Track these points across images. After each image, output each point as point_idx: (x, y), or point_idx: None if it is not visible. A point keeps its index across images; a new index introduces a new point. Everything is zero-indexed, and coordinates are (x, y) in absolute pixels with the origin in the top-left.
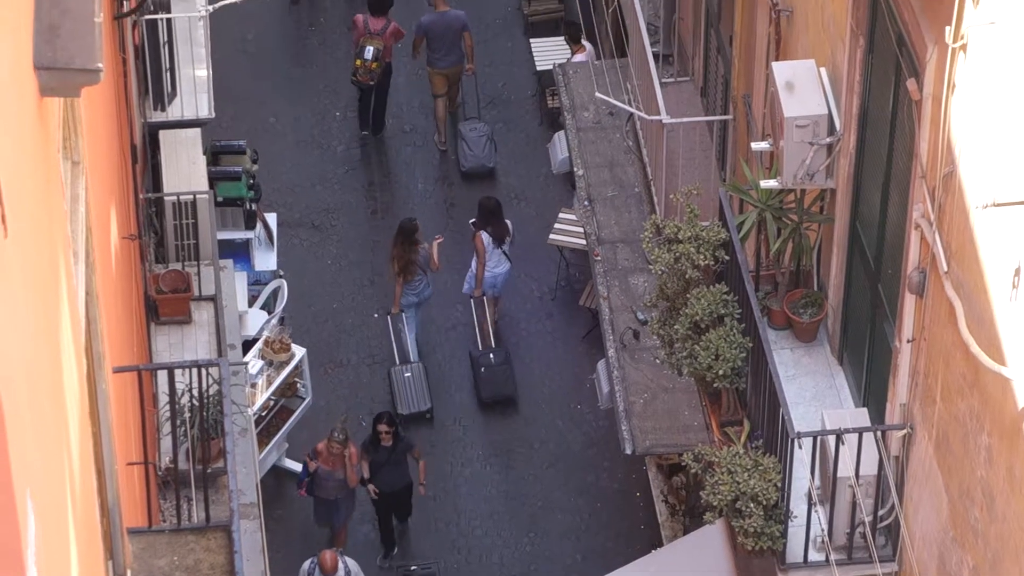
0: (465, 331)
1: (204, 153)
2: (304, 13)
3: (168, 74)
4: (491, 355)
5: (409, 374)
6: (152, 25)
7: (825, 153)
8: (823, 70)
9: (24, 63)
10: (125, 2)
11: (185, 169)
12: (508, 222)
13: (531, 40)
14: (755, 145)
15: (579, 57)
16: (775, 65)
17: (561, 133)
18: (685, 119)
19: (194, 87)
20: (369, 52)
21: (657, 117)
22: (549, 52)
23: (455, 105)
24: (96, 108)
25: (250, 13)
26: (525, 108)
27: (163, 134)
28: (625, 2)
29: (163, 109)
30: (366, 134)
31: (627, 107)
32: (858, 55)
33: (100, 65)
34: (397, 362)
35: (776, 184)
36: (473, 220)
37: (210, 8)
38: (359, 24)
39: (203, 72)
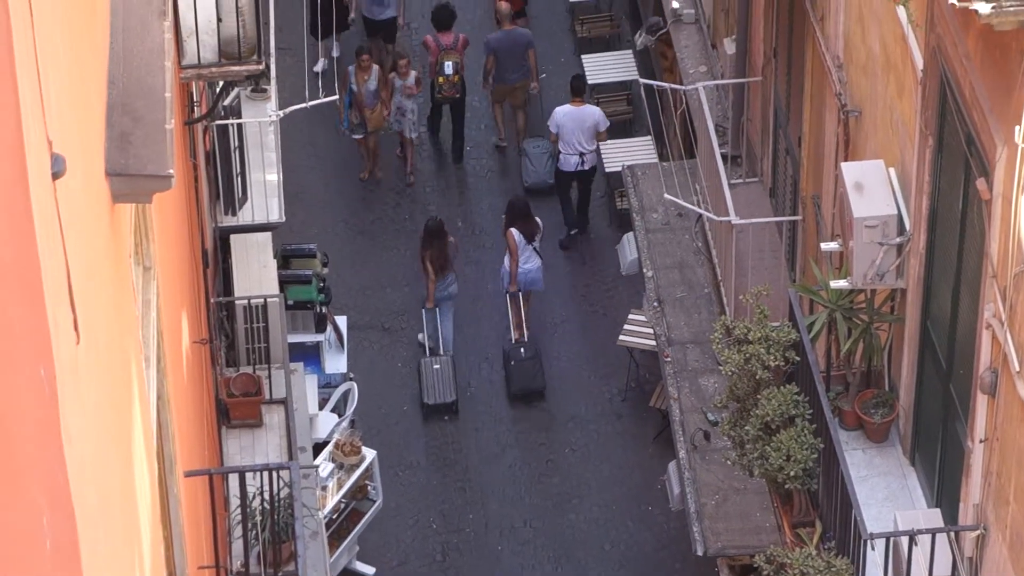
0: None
1: (275, 257)
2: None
3: (239, 179)
4: (522, 349)
5: (438, 366)
6: (223, 130)
7: (895, 253)
8: (892, 170)
9: (96, 170)
10: (196, 108)
11: (256, 273)
12: (538, 219)
13: (599, 142)
14: (825, 245)
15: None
16: (844, 166)
17: (630, 234)
18: (754, 220)
19: (264, 191)
20: (449, 67)
21: (726, 218)
22: (618, 153)
23: (523, 132)
24: (167, 213)
25: (320, 118)
26: (594, 209)
27: (234, 238)
28: (693, 103)
29: (234, 213)
30: (455, 162)
31: (696, 208)
32: (927, 155)
33: (171, 171)
34: (427, 354)
35: (846, 284)
36: (504, 215)
37: (280, 113)
38: (430, 44)
39: (273, 176)
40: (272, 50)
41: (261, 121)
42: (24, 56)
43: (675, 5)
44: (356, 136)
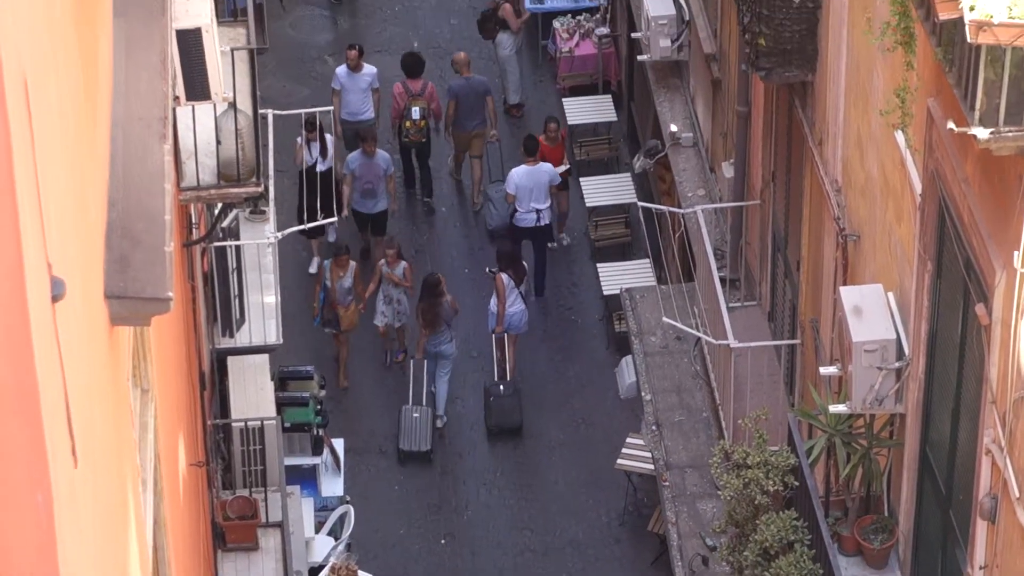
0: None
1: (272, 379)
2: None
3: (237, 300)
4: (501, 387)
5: (417, 415)
6: (221, 252)
7: (894, 378)
8: (891, 295)
9: (95, 293)
10: (194, 229)
11: (253, 395)
12: (524, 264)
13: (598, 265)
14: (823, 370)
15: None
16: (843, 290)
17: (628, 358)
18: (753, 343)
19: (262, 313)
20: (416, 112)
21: (725, 341)
22: (616, 277)
23: (479, 184)
24: (165, 335)
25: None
26: (592, 332)
27: (231, 360)
28: (692, 227)
29: (231, 335)
30: (427, 200)
31: (694, 331)
32: (926, 280)
33: (170, 294)
34: (410, 403)
35: (845, 409)
36: (491, 269)
37: (279, 235)
38: (399, 90)
39: (271, 298)
40: (271, 172)
41: (260, 243)
42: (24, 179)
43: (673, 128)
44: (329, 331)
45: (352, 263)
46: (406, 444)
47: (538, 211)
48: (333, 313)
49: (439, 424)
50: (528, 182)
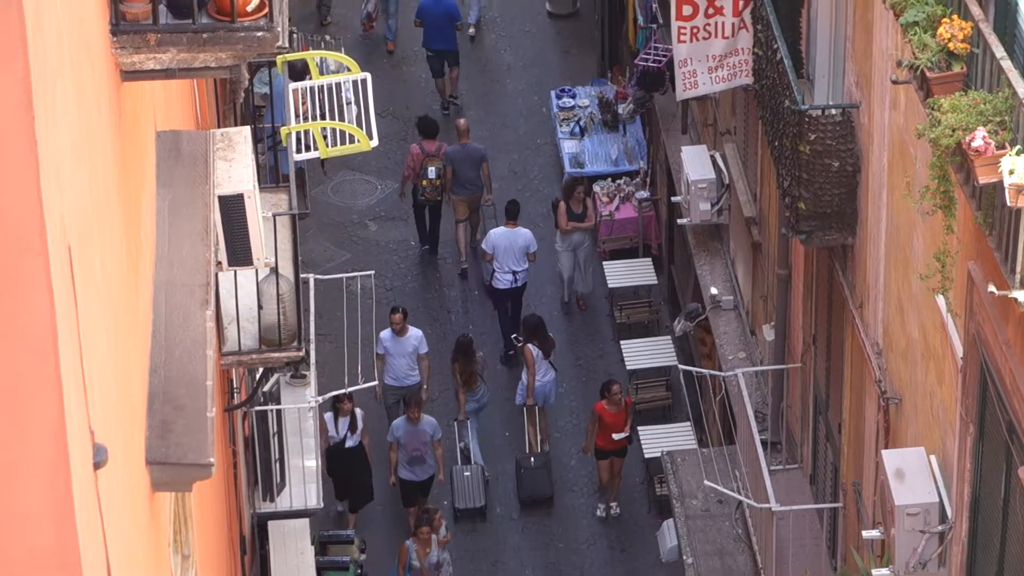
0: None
1: (312, 543)
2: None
3: (277, 464)
4: (532, 459)
5: (468, 474)
6: (262, 416)
7: (937, 541)
8: (933, 458)
9: (137, 459)
10: (236, 394)
11: (293, 560)
12: (551, 335)
13: (639, 428)
14: (866, 533)
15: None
16: (885, 453)
17: (670, 521)
18: (795, 507)
19: (303, 477)
20: (432, 172)
21: (766, 505)
22: (657, 440)
23: (476, 234)
24: (206, 500)
25: (359, 400)
26: (633, 495)
27: (272, 524)
28: (733, 389)
29: (272, 499)
30: (427, 247)
31: (736, 495)
32: (968, 443)
33: (212, 460)
34: (459, 463)
35: (888, 573)
36: (516, 336)
37: (320, 399)
38: (415, 151)
39: (312, 462)
40: (312, 336)
41: (300, 407)
42: (68, 345)
43: (714, 291)
44: None
45: (434, 536)
46: (461, 502)
47: (515, 273)
48: None
49: (488, 478)
50: (504, 243)
